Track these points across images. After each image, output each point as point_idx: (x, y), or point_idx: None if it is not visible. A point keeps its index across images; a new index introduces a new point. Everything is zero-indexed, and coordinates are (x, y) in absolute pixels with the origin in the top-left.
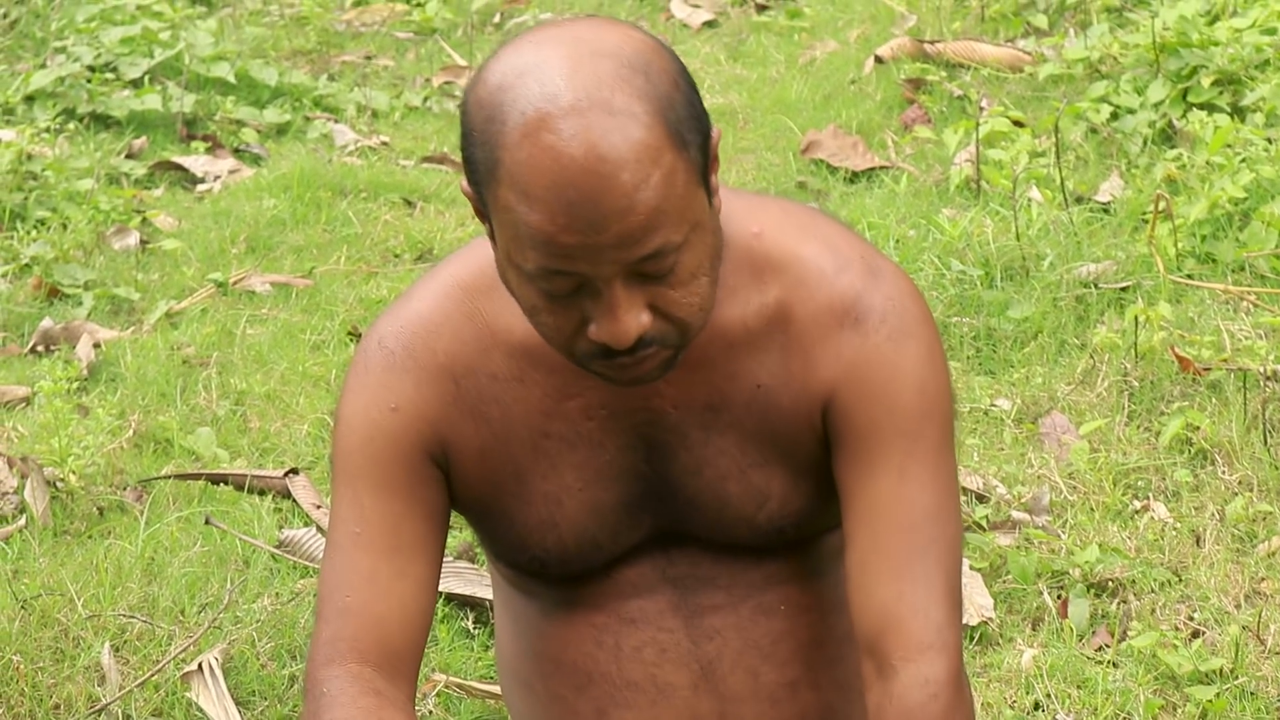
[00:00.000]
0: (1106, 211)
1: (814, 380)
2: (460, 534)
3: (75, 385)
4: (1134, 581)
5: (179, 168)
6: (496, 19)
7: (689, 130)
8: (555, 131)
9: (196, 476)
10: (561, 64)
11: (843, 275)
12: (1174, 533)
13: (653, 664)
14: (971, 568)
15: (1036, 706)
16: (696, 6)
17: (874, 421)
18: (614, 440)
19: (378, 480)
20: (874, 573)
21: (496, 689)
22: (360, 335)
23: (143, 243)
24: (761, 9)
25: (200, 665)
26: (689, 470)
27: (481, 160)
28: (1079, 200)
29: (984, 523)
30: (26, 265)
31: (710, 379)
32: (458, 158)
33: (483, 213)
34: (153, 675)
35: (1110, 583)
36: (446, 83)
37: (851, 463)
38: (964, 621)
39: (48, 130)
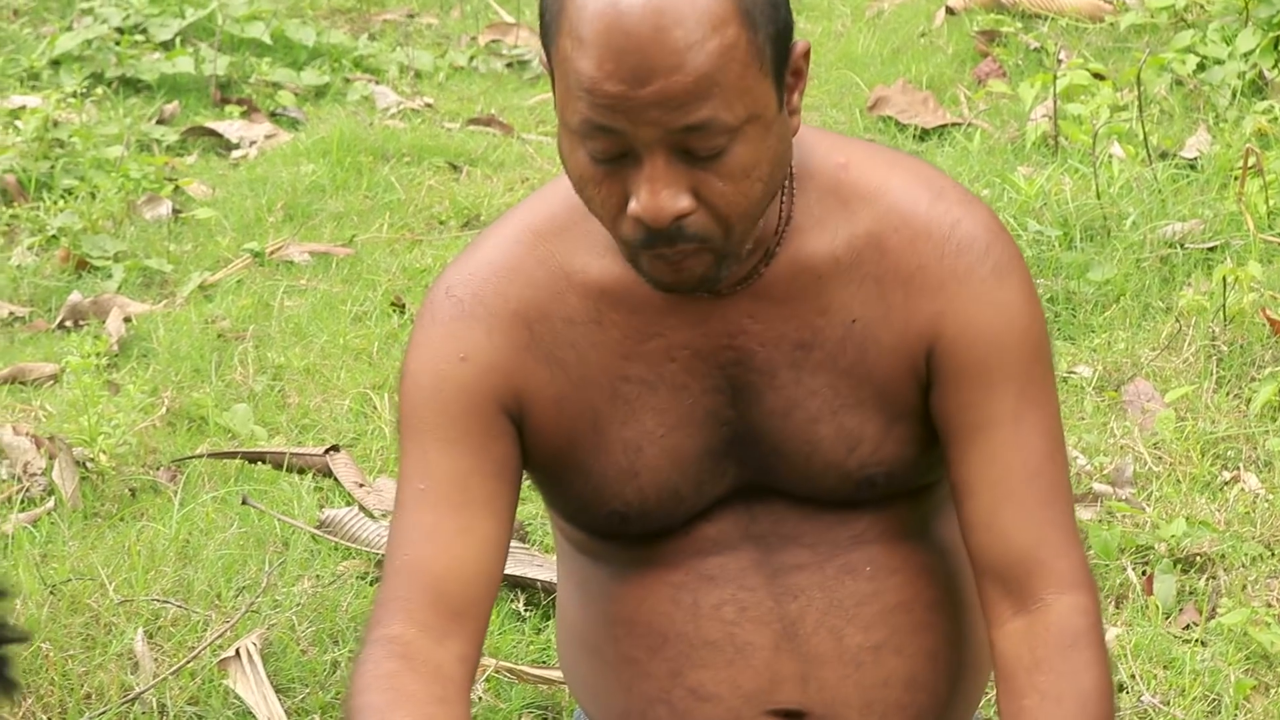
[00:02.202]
0: (1193, 168)
1: (916, 314)
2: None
3: (105, 361)
4: (1223, 556)
5: (212, 133)
6: None
7: (763, 16)
8: None
9: (232, 455)
10: None
11: (937, 203)
12: (1266, 505)
13: (732, 623)
14: None
15: (1121, 688)
16: None
17: (985, 364)
18: (698, 382)
19: (446, 434)
20: (1009, 520)
21: (549, 673)
22: (404, 306)
23: (175, 212)
24: None
25: (238, 651)
26: (777, 412)
27: (549, 8)
28: (1163, 156)
29: None
30: (54, 237)
31: (800, 314)
32: (506, 119)
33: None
34: (188, 662)
35: (1198, 558)
36: (493, 41)
37: (963, 407)
38: None
39: (75, 95)
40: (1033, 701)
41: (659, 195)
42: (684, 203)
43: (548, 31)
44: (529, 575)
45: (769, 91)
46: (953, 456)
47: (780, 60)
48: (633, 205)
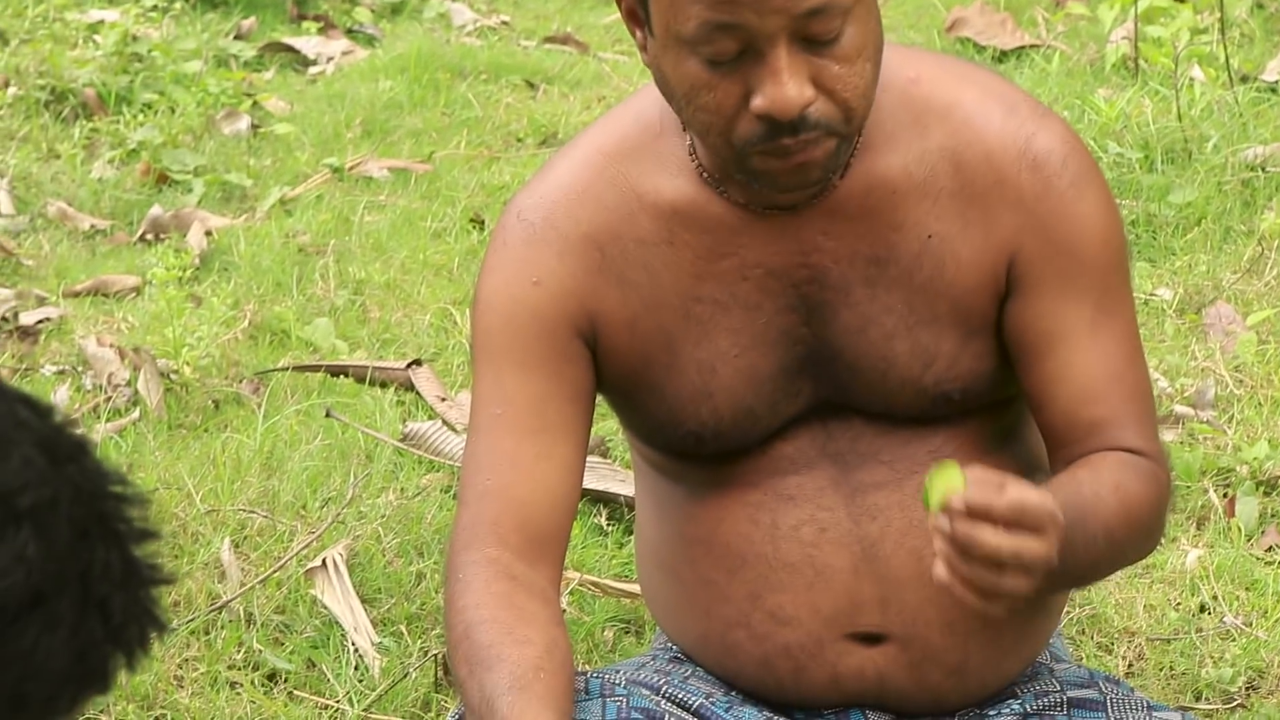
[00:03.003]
0: (1274, 91)
1: (996, 229)
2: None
3: (187, 274)
4: None
5: (290, 49)
6: None
7: None
8: None
9: (315, 368)
10: None
11: (1011, 118)
12: None
13: (811, 544)
14: None
15: (1202, 609)
16: None
17: (1064, 274)
18: (771, 301)
19: (520, 358)
20: (1090, 416)
21: (632, 587)
22: (483, 222)
23: (254, 127)
24: None
25: (324, 561)
26: (852, 329)
27: None
28: (1244, 79)
29: None
30: (134, 150)
31: (874, 230)
32: (581, 38)
33: (635, 12)
34: (274, 572)
35: None
36: None
37: (1041, 316)
38: None
39: (154, 9)
40: (1070, 471)
41: (787, 85)
42: (809, 91)
43: None
44: (611, 490)
45: None
46: (1030, 365)
47: None
48: (758, 101)
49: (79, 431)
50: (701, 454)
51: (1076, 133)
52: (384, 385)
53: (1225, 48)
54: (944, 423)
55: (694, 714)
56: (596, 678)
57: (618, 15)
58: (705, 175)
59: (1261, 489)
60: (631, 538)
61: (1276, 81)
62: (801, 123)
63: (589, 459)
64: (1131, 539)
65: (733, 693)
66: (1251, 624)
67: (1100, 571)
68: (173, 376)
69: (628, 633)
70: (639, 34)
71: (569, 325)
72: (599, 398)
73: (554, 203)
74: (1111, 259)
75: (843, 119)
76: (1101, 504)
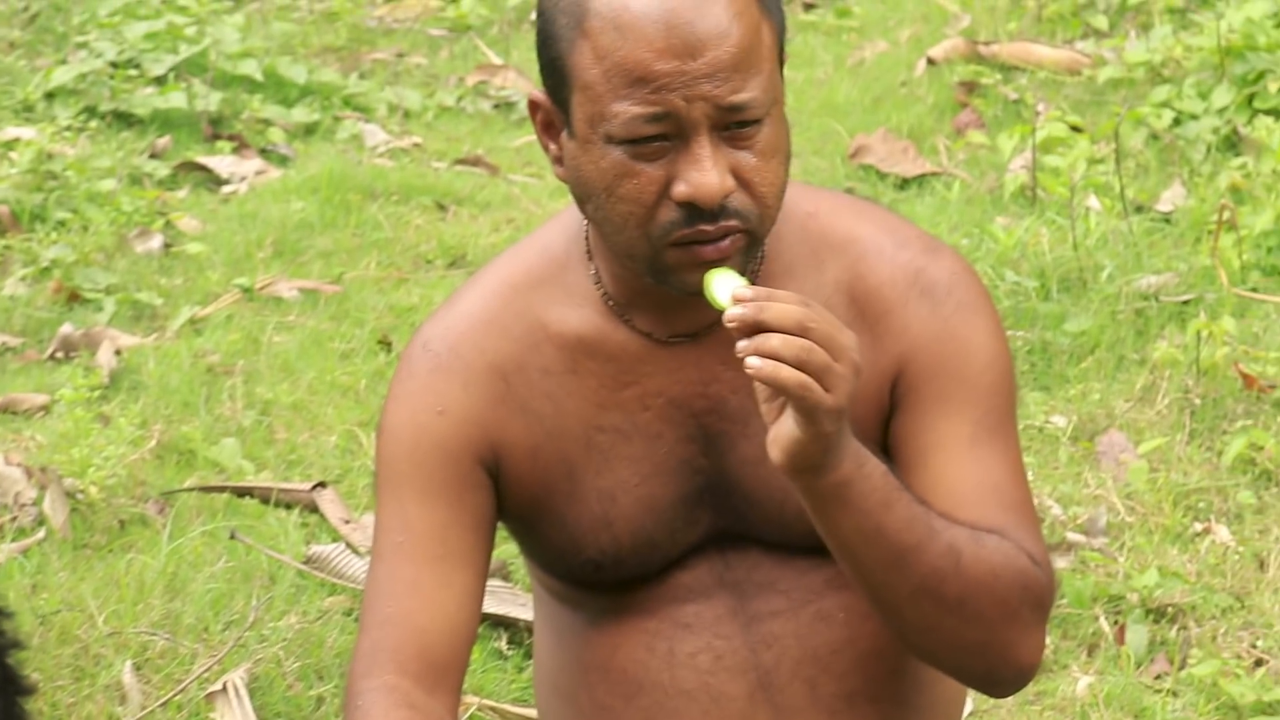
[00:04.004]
0: (1168, 221)
1: (883, 356)
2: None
3: (96, 393)
4: (1194, 607)
5: (204, 168)
6: (533, 16)
7: (774, 6)
8: None
9: (221, 489)
10: None
11: (902, 251)
12: (1236, 557)
13: (707, 672)
14: None
15: None
16: None
17: (944, 392)
18: (672, 431)
19: (423, 486)
20: (967, 519)
21: (530, 712)
22: (390, 344)
23: (166, 246)
24: (809, 7)
25: (225, 685)
26: (750, 460)
27: (563, 29)
28: (1139, 209)
29: None
30: (46, 268)
31: None
32: (492, 160)
33: (552, 124)
34: (176, 695)
35: (1170, 608)
36: (481, 82)
37: (918, 431)
38: None
39: (69, 129)
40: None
41: (709, 172)
42: (730, 180)
43: (560, 51)
44: (512, 614)
45: (780, 81)
46: (908, 479)
47: (781, 57)
48: (681, 188)
49: None
50: (600, 582)
51: (969, 265)
52: (289, 506)
53: (1121, 178)
54: None
55: None
56: None
57: (529, 138)
58: (611, 304)
59: (1151, 617)
60: (531, 662)
61: (1170, 212)
62: (721, 211)
63: (490, 582)
64: (982, 587)
65: None
66: None
67: (946, 593)
68: (79, 496)
69: None
70: (553, 146)
71: (472, 454)
72: (500, 524)
73: (460, 333)
74: (994, 383)
75: (758, 214)
76: (955, 529)
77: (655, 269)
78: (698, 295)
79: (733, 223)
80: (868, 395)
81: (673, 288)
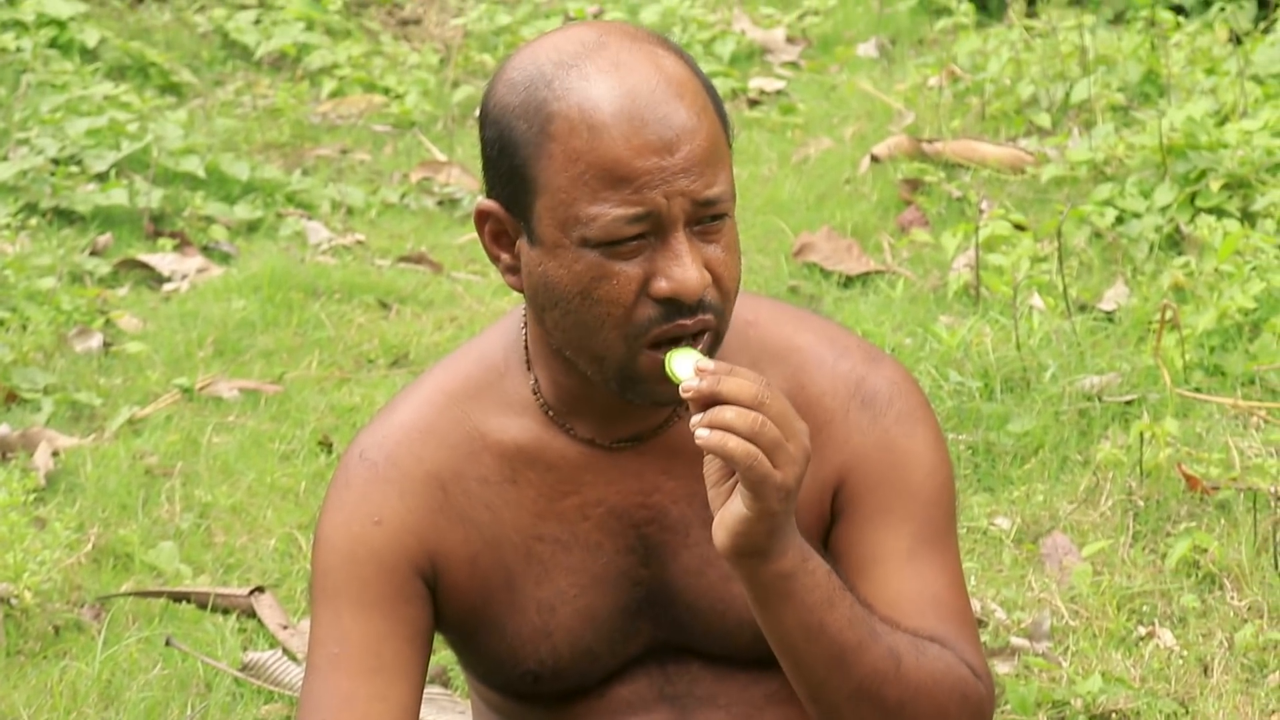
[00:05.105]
0: (1111, 320)
1: (824, 466)
2: (433, 655)
3: (32, 496)
4: (1139, 713)
5: (145, 266)
6: (478, 113)
7: (721, 108)
8: (613, 57)
9: (158, 594)
10: (589, 29)
11: (842, 361)
12: (1180, 661)
13: None
14: None
15: None
16: None
17: (883, 503)
18: (611, 541)
19: (359, 597)
20: (910, 630)
21: None
22: (331, 445)
23: (106, 345)
24: (753, 104)
25: None
26: (690, 571)
27: (523, 135)
28: (1082, 308)
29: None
30: None
31: None
32: (435, 257)
33: (504, 233)
34: None
35: (1114, 714)
36: (425, 178)
37: (857, 543)
38: None
39: (8, 226)
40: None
41: (690, 268)
42: (706, 274)
43: (522, 160)
44: None
45: (733, 178)
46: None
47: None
48: (662, 284)
49: None
50: (539, 694)
51: (909, 374)
52: (226, 612)
53: (1064, 277)
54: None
55: None
56: None
57: (472, 235)
58: (550, 413)
59: None
60: None
61: (1113, 311)
62: (698, 305)
63: (429, 689)
64: (921, 692)
65: None
66: None
67: (886, 696)
68: (13, 601)
69: None
70: (505, 256)
71: (409, 564)
72: (439, 634)
73: (397, 442)
74: (934, 493)
75: (724, 308)
76: (897, 634)
77: (625, 376)
78: (661, 404)
79: (708, 317)
80: (809, 504)
81: (637, 397)
